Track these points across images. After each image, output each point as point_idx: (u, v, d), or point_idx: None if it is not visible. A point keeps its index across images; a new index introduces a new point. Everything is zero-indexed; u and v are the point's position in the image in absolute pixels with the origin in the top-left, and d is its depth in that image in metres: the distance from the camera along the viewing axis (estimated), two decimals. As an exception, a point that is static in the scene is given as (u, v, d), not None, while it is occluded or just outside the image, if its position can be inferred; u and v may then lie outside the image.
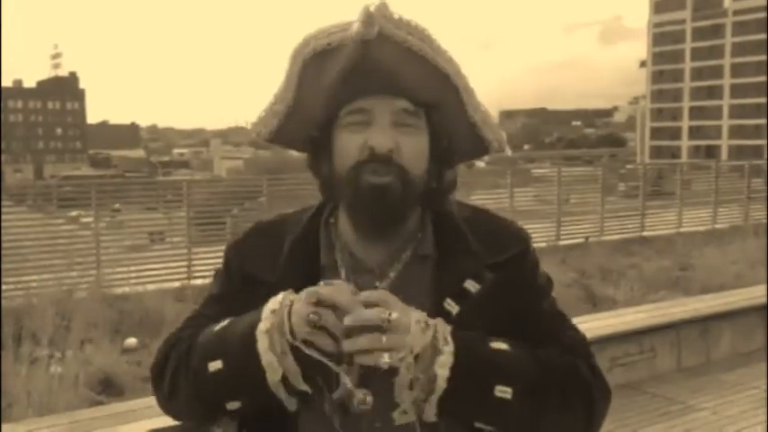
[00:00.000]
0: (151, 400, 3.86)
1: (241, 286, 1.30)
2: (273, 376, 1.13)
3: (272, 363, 1.12)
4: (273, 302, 1.15)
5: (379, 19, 1.14)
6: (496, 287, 1.24)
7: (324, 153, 1.25)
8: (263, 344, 1.13)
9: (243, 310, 1.21)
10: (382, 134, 1.18)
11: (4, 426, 3.73)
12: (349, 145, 1.20)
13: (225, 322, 1.22)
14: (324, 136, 1.24)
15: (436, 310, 1.19)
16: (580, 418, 1.22)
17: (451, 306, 1.21)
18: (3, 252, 9.16)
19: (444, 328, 1.15)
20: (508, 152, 1.32)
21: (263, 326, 1.13)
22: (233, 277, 1.33)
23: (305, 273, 1.24)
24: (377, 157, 1.17)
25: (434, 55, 1.18)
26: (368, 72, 1.17)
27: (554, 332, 1.28)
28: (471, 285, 1.23)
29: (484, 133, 1.26)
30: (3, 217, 9.80)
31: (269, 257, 1.28)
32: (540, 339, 1.25)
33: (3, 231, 9.47)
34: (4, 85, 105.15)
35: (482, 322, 1.20)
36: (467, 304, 1.22)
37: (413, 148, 1.20)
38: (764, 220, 16.13)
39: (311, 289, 1.13)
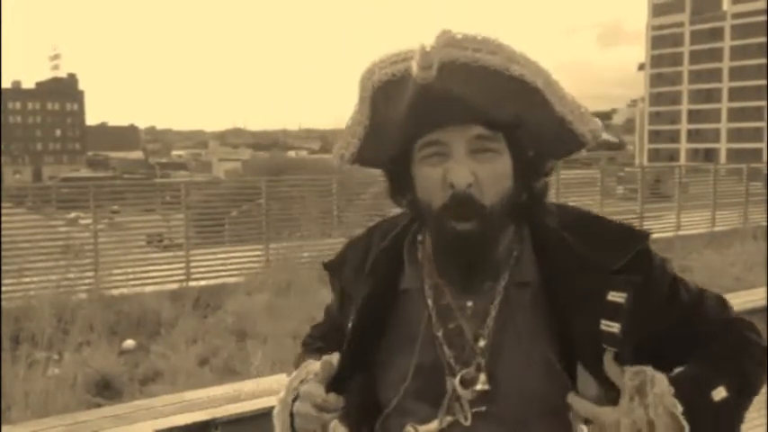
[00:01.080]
0: (149, 402, 3.86)
1: (339, 298, 1.34)
2: None
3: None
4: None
5: (439, 52, 1.08)
6: (637, 292, 1.14)
7: (404, 184, 1.22)
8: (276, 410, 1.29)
9: (342, 322, 1.28)
10: (461, 168, 1.13)
11: (3, 428, 3.73)
12: (429, 180, 1.16)
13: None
14: (402, 167, 1.21)
15: (590, 337, 1.11)
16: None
17: (610, 325, 1.11)
18: (1, 254, 9.15)
19: (662, 384, 1.07)
20: (606, 137, 1.23)
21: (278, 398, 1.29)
22: (335, 288, 1.37)
23: (383, 295, 1.24)
24: (458, 197, 1.12)
25: (509, 63, 1.10)
26: (437, 103, 1.12)
27: (706, 317, 1.21)
28: (617, 297, 1.12)
29: (575, 127, 1.17)
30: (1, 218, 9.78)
31: (354, 271, 1.29)
32: (698, 333, 1.19)
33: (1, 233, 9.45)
34: (3, 86, 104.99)
35: (641, 333, 1.13)
36: (623, 318, 1.11)
37: (492, 175, 1.14)
38: (763, 223, 16.15)
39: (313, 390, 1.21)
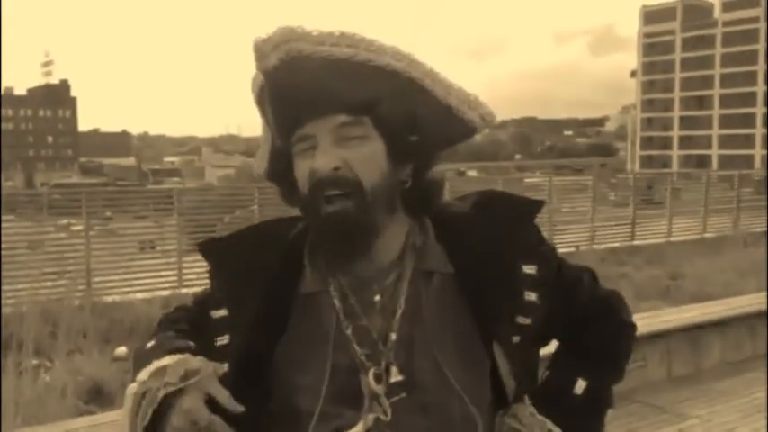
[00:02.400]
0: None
1: (217, 288, 1.25)
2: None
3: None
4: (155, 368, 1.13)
5: (286, 45, 1.10)
6: (544, 262, 1.24)
7: (290, 184, 1.21)
8: (127, 405, 1.13)
9: (200, 324, 1.22)
10: (324, 156, 1.13)
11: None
12: (300, 171, 1.17)
13: (160, 340, 1.20)
14: (286, 168, 1.20)
15: (514, 308, 1.19)
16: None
17: (529, 295, 1.21)
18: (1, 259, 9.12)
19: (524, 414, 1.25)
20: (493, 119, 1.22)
21: (135, 387, 1.13)
22: (213, 275, 1.28)
23: (280, 299, 1.19)
24: (323, 180, 1.12)
25: (374, 56, 1.13)
26: (299, 97, 1.13)
27: (582, 294, 1.30)
28: (529, 269, 1.21)
29: (463, 114, 1.18)
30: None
31: (240, 269, 1.22)
32: (575, 309, 1.29)
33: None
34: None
35: (548, 299, 1.22)
36: (538, 288, 1.21)
37: (362, 158, 1.14)
38: (754, 230, 16.23)
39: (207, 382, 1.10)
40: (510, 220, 1.23)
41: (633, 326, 1.35)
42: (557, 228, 14.93)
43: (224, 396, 1.11)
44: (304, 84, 1.12)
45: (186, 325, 1.25)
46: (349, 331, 1.16)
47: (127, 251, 11.92)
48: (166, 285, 10.77)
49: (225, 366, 1.14)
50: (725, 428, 4.83)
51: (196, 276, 11.09)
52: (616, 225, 16.32)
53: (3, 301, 8.90)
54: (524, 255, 1.21)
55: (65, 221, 11.91)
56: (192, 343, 1.18)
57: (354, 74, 1.13)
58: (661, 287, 10.92)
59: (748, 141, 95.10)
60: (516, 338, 1.19)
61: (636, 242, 15.79)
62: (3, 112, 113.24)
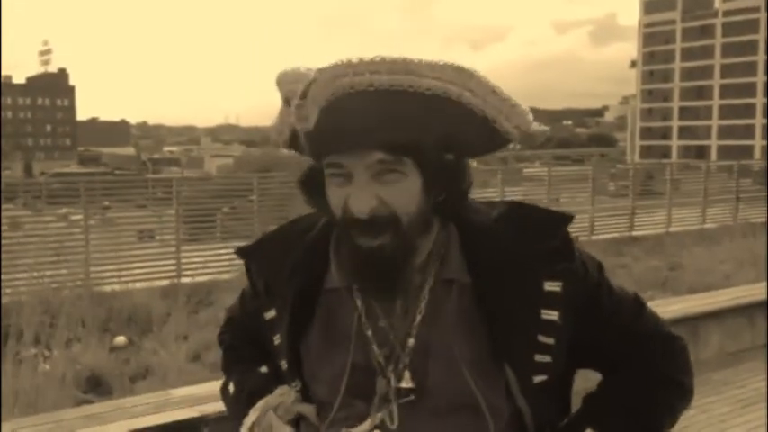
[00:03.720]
0: (138, 399, 3.84)
1: (255, 288, 1.33)
2: None
3: None
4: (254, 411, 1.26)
5: (321, 93, 1.07)
6: (571, 280, 1.17)
7: (318, 192, 1.18)
8: None
9: (253, 322, 1.32)
10: (360, 195, 1.10)
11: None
12: (334, 199, 1.14)
13: (238, 382, 1.36)
14: (316, 176, 1.18)
15: (533, 325, 1.15)
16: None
17: (549, 314, 1.15)
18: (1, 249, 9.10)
19: None
20: (539, 128, 1.19)
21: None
22: (252, 277, 1.35)
23: (310, 293, 1.23)
24: (358, 222, 1.10)
25: (415, 80, 1.08)
26: (337, 130, 1.09)
27: (623, 328, 1.23)
28: (553, 286, 1.16)
29: (500, 125, 1.14)
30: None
31: (276, 265, 1.27)
32: (612, 344, 1.23)
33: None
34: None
35: (575, 322, 1.17)
36: (562, 306, 1.16)
37: (399, 194, 1.11)
38: (753, 220, 16.23)
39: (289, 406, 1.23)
40: (534, 233, 1.19)
41: (682, 387, 1.26)
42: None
43: (311, 412, 1.23)
44: (342, 119, 1.08)
45: (244, 335, 1.40)
46: (369, 332, 1.18)
47: (125, 240, 11.92)
48: (165, 275, 10.77)
49: (299, 384, 1.25)
50: (724, 418, 4.84)
51: (195, 266, 11.10)
52: (615, 216, 16.32)
53: (2, 291, 8.91)
54: (548, 270, 1.17)
55: (63, 211, 11.91)
56: (264, 369, 1.33)
57: (394, 106, 1.08)
58: (660, 278, 10.93)
59: (748, 132, 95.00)
60: (537, 357, 1.15)
61: (635, 233, 15.79)
62: (2, 100, 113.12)
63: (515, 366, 1.15)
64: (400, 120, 1.09)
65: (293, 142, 1.22)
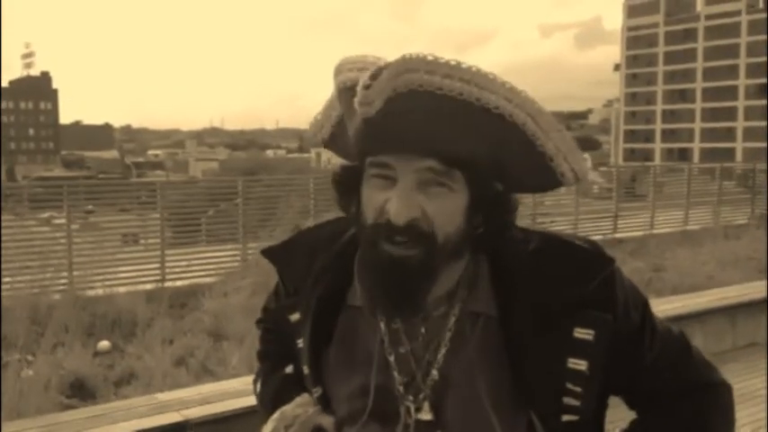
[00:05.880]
0: (123, 404, 3.83)
1: (285, 290, 1.32)
2: None
3: None
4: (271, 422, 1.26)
5: (388, 83, 0.99)
6: (605, 329, 1.09)
7: (351, 195, 1.13)
8: None
9: (282, 326, 1.30)
10: (402, 200, 1.03)
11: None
12: (371, 202, 1.08)
13: (264, 382, 1.38)
14: (353, 178, 1.12)
15: (559, 373, 1.09)
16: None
17: (577, 363, 1.08)
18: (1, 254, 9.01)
19: None
20: (592, 179, 1.15)
21: None
22: (282, 279, 1.33)
23: (331, 306, 1.21)
24: (394, 228, 1.04)
25: (485, 95, 1.01)
26: (390, 127, 1.02)
27: (666, 373, 1.17)
28: (584, 333, 1.09)
29: (556, 165, 1.07)
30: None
31: (302, 270, 1.25)
32: (652, 390, 1.19)
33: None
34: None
35: (611, 372, 1.12)
36: (592, 356, 1.09)
37: (443, 210, 1.05)
38: (735, 222, 16.38)
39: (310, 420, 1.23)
40: (571, 275, 1.11)
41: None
42: (539, 221, 14.99)
43: (330, 424, 1.22)
44: (401, 117, 1.02)
45: (275, 328, 1.37)
46: (392, 358, 1.16)
47: (110, 244, 11.85)
48: (149, 279, 10.70)
49: (320, 391, 1.24)
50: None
51: (180, 270, 11.05)
52: (599, 218, 16.40)
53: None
54: (581, 316, 1.09)
55: (46, 215, 11.82)
56: (289, 369, 1.32)
57: (458, 116, 1.02)
58: (644, 279, 10.99)
59: (730, 135, 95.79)
60: (564, 400, 1.10)
61: (619, 235, 15.87)
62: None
63: (539, 409, 1.11)
64: (461, 131, 1.03)
65: (331, 140, 1.19)
